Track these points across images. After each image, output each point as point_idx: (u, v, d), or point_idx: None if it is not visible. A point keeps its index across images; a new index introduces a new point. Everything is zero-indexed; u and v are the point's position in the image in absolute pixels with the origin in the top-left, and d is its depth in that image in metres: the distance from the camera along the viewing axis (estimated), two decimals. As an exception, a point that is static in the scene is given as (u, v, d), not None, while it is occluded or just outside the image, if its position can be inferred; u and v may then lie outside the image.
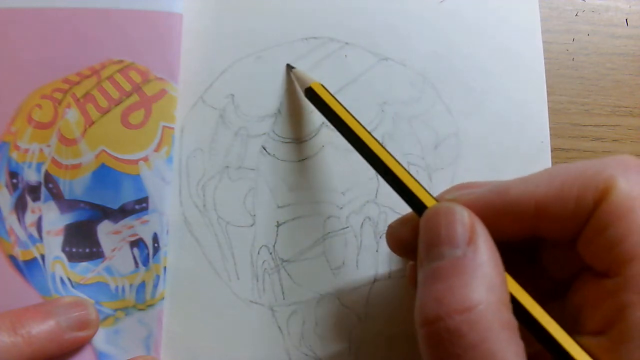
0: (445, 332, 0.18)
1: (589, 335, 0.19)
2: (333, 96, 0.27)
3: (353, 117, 0.26)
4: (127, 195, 0.28)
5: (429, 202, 0.22)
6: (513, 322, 0.19)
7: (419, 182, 0.23)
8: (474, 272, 0.19)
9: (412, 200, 0.23)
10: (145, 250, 0.28)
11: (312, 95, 0.27)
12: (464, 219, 0.20)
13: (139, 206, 0.28)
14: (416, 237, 0.21)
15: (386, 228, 0.25)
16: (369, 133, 0.25)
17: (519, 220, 0.21)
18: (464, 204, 0.21)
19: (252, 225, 0.29)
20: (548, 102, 0.31)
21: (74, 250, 0.28)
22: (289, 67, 0.30)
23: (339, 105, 0.26)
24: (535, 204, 0.20)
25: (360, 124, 0.25)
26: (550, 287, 0.23)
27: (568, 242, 0.21)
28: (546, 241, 0.22)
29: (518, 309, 0.19)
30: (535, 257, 0.23)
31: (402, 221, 0.24)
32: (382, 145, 0.24)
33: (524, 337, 0.19)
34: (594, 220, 0.19)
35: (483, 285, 0.18)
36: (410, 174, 0.23)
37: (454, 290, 0.18)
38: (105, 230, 0.28)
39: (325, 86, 0.27)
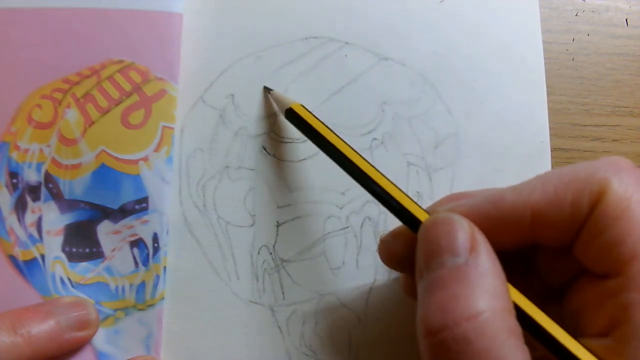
0: (452, 340, 0.17)
1: (592, 338, 0.19)
2: (314, 116, 0.26)
3: (336, 135, 0.25)
4: (127, 195, 0.28)
5: (422, 216, 0.22)
6: (518, 329, 0.18)
7: (409, 197, 0.23)
8: (477, 280, 0.18)
9: (405, 216, 0.22)
10: (145, 250, 0.28)
11: (292, 116, 0.27)
12: (465, 228, 0.20)
13: (139, 206, 0.28)
14: (409, 250, 0.21)
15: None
16: (355, 151, 0.24)
17: (515, 228, 0.20)
18: (460, 215, 0.21)
19: (252, 225, 0.29)
20: (548, 102, 0.31)
21: (74, 250, 0.28)
22: (267, 90, 0.30)
23: (321, 124, 0.26)
24: (531, 212, 0.20)
25: (345, 142, 0.25)
26: (546, 293, 0.22)
27: (563, 247, 0.21)
28: (540, 247, 0.22)
29: (521, 315, 0.19)
30: (529, 264, 0.23)
31: (394, 235, 0.24)
32: (369, 163, 0.24)
33: (526, 343, 0.18)
34: (591, 223, 0.19)
35: (487, 292, 0.18)
36: (400, 189, 0.23)
37: (459, 298, 0.18)
38: (105, 230, 0.28)
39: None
